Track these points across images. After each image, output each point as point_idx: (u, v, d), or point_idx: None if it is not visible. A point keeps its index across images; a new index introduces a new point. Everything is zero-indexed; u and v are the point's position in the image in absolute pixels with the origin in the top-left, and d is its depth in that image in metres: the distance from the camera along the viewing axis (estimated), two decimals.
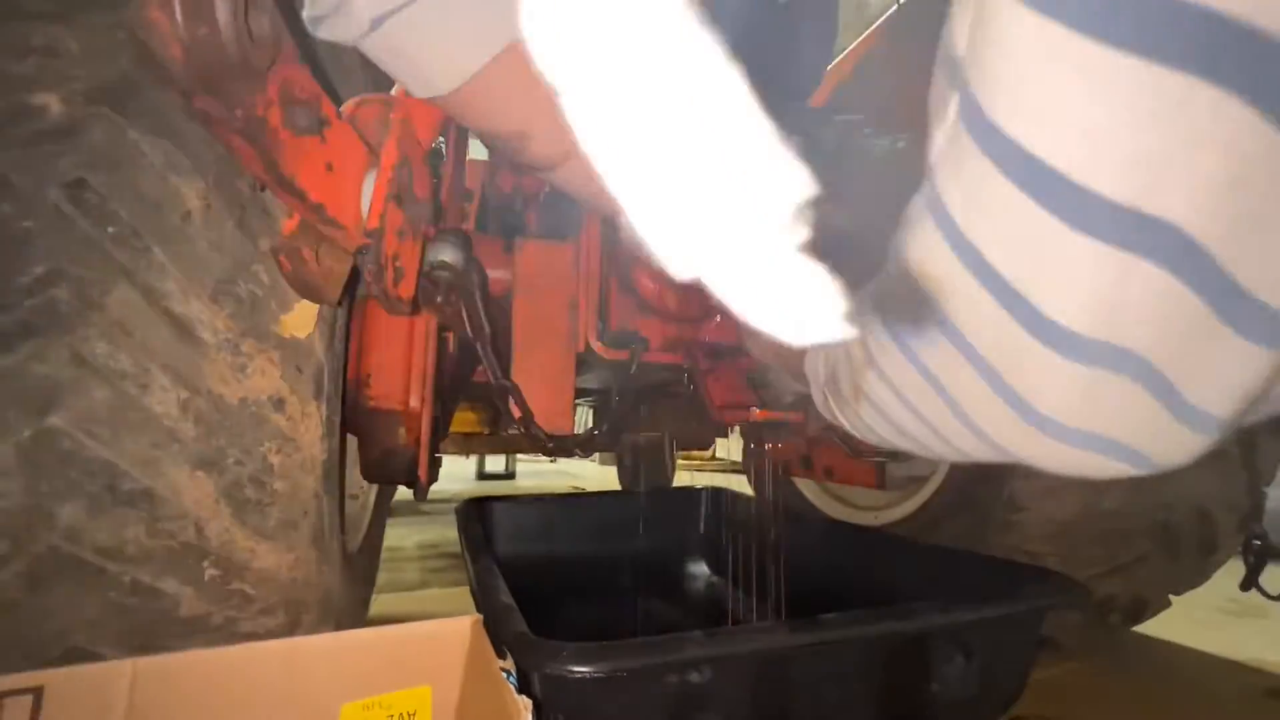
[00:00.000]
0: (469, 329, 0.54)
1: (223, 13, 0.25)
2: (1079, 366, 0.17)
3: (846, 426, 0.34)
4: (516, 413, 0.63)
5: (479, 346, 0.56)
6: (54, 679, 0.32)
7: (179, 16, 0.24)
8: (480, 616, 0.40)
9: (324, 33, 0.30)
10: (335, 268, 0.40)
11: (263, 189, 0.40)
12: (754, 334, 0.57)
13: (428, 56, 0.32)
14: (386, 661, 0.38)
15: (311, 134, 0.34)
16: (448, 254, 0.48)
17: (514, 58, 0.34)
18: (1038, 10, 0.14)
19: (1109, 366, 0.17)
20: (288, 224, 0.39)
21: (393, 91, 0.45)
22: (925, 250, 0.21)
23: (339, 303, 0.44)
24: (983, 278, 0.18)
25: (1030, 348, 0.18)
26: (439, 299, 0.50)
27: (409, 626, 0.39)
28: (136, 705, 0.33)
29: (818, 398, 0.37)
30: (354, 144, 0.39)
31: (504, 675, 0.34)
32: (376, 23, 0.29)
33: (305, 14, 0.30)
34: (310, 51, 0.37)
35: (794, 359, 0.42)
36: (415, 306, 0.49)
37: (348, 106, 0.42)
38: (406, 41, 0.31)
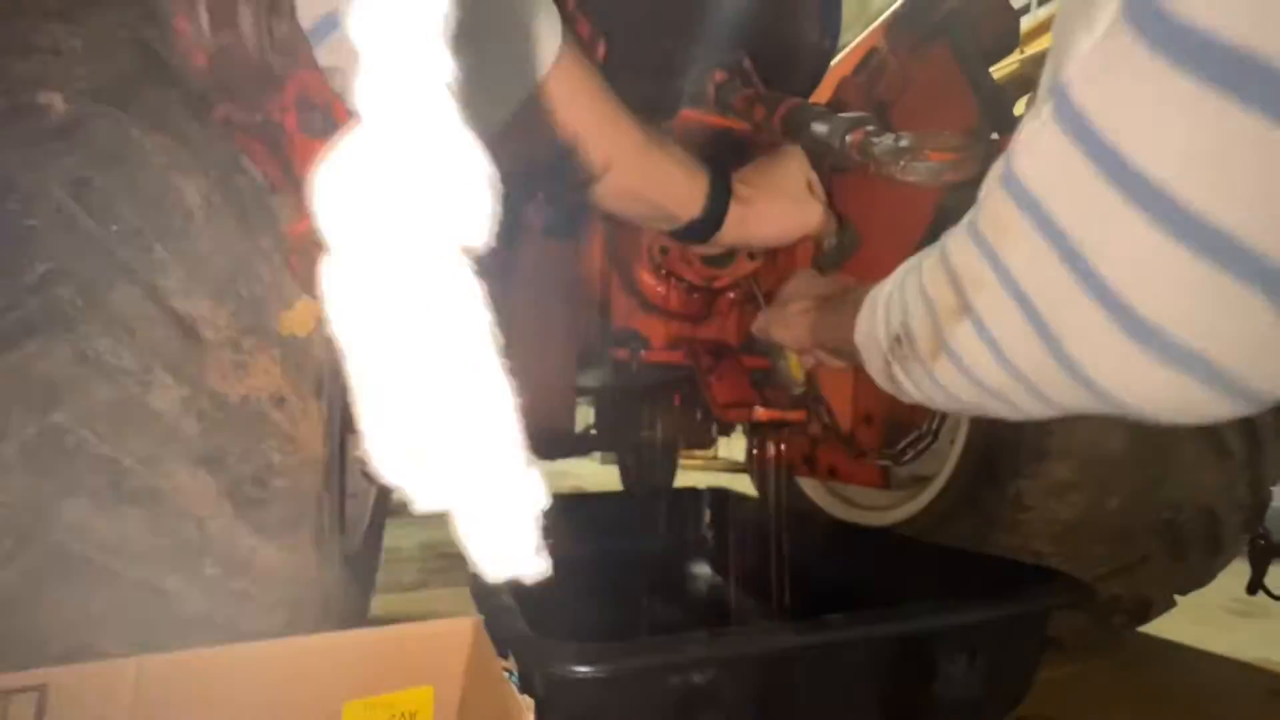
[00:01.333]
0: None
1: (246, 21, 0.26)
2: (1203, 269, 0.18)
3: (910, 390, 0.33)
4: None
5: None
6: (58, 677, 0.32)
7: (205, 26, 0.24)
8: (482, 617, 0.40)
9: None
10: None
11: (274, 190, 0.40)
12: (779, 317, 0.56)
13: (477, 90, 0.32)
14: (388, 661, 0.38)
15: (325, 137, 0.34)
16: None
17: (559, 72, 0.34)
18: (1172, 64, 0.16)
19: (1229, 271, 0.18)
20: (300, 225, 0.39)
21: None
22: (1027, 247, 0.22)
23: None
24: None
25: (1160, 251, 0.18)
26: None
27: (411, 626, 0.39)
28: (140, 703, 0.33)
29: (876, 364, 0.36)
30: None
31: (506, 675, 0.34)
32: None
33: (336, 85, 0.30)
34: None
35: (841, 332, 0.42)
36: None
37: None
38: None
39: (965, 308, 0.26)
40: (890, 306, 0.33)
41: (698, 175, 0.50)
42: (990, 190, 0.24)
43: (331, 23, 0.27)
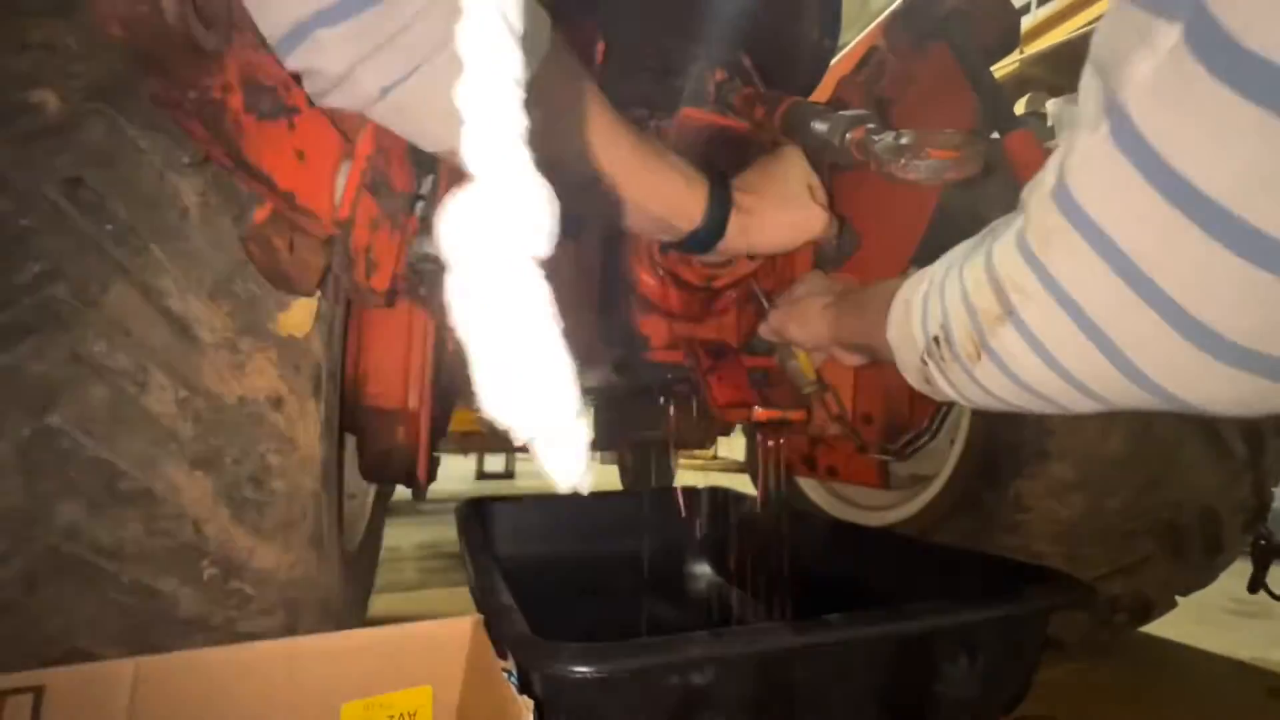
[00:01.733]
0: (456, 325, 0.54)
1: None
2: (1264, 278, 0.18)
3: (945, 389, 0.34)
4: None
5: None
6: (55, 678, 0.31)
7: None
8: (481, 616, 0.40)
9: (331, 103, 0.30)
10: (310, 258, 0.40)
11: (206, 159, 0.38)
12: (796, 316, 0.57)
13: (440, 116, 0.32)
14: (387, 661, 0.38)
15: (277, 120, 0.33)
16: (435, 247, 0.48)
17: (544, 75, 0.33)
18: (1238, 92, 0.16)
19: None
20: (260, 212, 0.38)
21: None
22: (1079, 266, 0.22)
23: (317, 293, 0.43)
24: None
25: (1219, 263, 0.19)
26: (422, 291, 0.49)
27: (409, 626, 0.39)
28: (137, 704, 0.33)
29: (910, 363, 0.36)
30: (327, 132, 0.38)
31: (505, 675, 0.34)
32: (386, 91, 0.29)
33: (306, 88, 0.29)
34: None
35: (866, 329, 0.42)
36: (391, 299, 0.48)
37: None
38: (418, 104, 0.30)
39: (1008, 313, 0.26)
40: (928, 308, 0.34)
41: (697, 184, 0.50)
42: (1038, 202, 0.24)
43: (306, 29, 0.27)
